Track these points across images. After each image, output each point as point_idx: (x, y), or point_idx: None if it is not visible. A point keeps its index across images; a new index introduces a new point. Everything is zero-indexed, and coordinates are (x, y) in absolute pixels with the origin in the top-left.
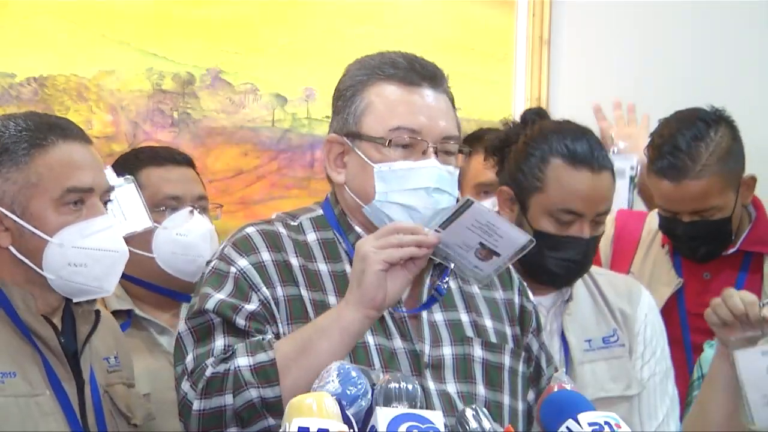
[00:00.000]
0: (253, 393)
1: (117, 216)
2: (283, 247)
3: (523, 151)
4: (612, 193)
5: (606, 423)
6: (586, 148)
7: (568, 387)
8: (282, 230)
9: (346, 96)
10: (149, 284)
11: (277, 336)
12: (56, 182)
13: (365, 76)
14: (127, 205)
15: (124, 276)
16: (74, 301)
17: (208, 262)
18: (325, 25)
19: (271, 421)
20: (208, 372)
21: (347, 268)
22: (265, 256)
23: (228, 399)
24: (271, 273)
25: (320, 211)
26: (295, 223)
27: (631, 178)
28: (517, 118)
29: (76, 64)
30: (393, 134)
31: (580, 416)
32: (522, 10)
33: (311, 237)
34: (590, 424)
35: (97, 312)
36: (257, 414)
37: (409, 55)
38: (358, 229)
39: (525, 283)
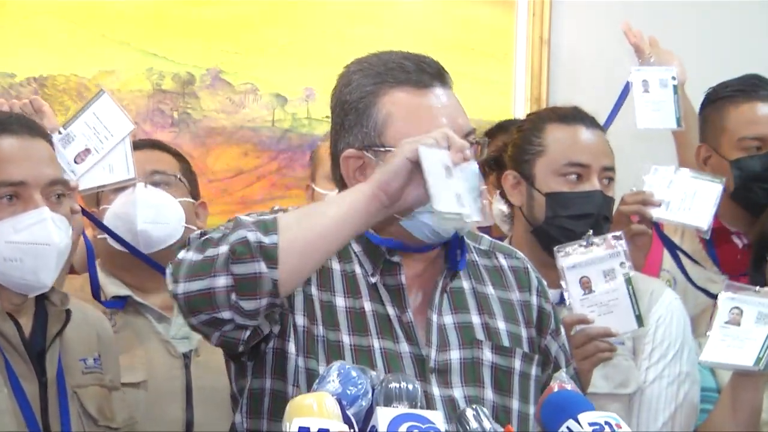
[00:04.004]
0: (250, 234)
1: (104, 169)
2: None
3: (518, 135)
4: (610, 151)
5: (606, 423)
6: (575, 110)
7: (568, 387)
8: None
9: (358, 109)
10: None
11: (288, 328)
12: None
13: (374, 85)
14: (114, 157)
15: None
16: (28, 296)
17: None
18: (325, 25)
19: (262, 266)
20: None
21: (357, 269)
22: None
23: (223, 248)
24: None
25: None
26: None
27: (674, 88)
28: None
29: (76, 64)
30: None
31: (581, 416)
32: (522, 10)
33: None
34: (591, 424)
35: (68, 311)
36: (249, 253)
37: (413, 55)
38: (369, 231)
39: (545, 283)
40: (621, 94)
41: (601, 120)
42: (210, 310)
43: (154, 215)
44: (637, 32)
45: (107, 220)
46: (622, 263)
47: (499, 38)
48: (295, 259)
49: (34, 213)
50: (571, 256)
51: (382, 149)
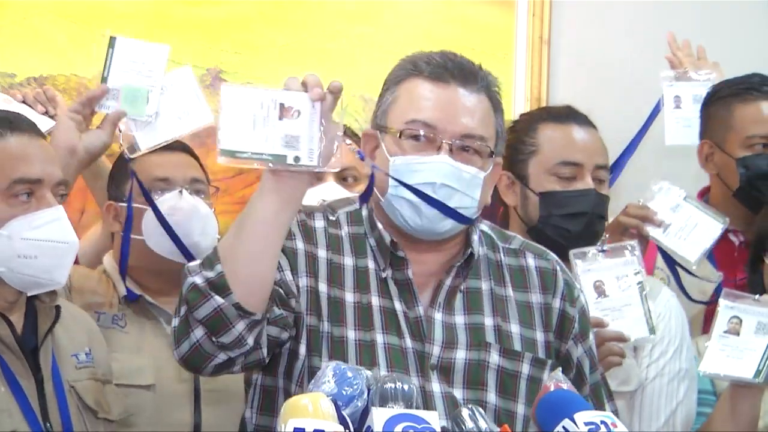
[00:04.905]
0: (196, 278)
1: (171, 117)
2: (315, 241)
3: (511, 136)
4: (604, 150)
5: (602, 422)
6: (568, 109)
7: (564, 386)
8: (320, 224)
9: (381, 92)
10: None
11: (301, 330)
12: (3, 174)
13: (401, 71)
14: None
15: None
16: (28, 294)
17: None
18: (325, 25)
19: (217, 300)
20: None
21: (370, 264)
22: (299, 245)
23: (183, 308)
24: (300, 262)
25: (357, 205)
26: (334, 218)
27: None
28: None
29: (76, 64)
30: (407, 126)
31: (577, 416)
32: (522, 10)
33: (345, 231)
34: (586, 424)
35: (57, 308)
36: (201, 295)
37: (449, 53)
38: (379, 225)
39: (573, 287)
40: (652, 113)
41: (601, 121)
42: (207, 361)
43: (203, 227)
44: (684, 43)
45: (147, 221)
46: (636, 271)
47: (499, 38)
48: (244, 275)
49: (49, 211)
50: (586, 260)
51: (383, 130)
